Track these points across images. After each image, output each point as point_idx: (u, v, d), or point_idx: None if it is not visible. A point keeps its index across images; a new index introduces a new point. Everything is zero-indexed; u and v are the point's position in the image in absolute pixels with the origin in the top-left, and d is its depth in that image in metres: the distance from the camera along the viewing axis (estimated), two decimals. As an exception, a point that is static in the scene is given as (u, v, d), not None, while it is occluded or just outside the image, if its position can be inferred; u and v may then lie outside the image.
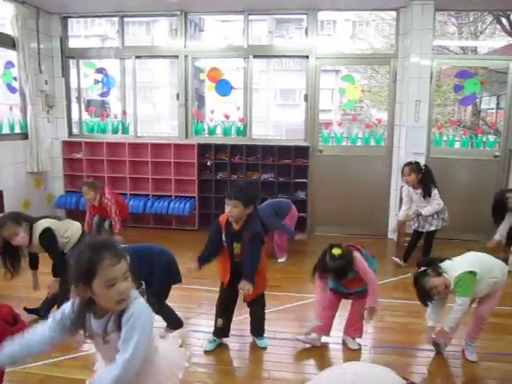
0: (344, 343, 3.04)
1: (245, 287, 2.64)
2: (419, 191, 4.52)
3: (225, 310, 2.99)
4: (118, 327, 1.55)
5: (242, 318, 3.21)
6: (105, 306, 1.56)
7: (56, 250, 3.17)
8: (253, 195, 2.79)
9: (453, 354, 2.91)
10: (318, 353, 2.95)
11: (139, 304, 1.59)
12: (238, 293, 2.84)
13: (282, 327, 3.24)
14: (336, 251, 2.70)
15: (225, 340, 3.06)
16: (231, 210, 2.68)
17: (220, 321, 2.98)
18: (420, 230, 4.62)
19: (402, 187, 4.87)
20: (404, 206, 4.72)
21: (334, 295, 2.97)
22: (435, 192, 4.47)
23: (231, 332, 3.08)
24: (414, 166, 4.52)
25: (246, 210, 2.71)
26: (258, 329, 3.05)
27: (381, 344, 3.06)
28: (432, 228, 4.55)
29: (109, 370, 1.56)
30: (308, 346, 3.00)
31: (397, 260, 4.71)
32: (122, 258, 1.54)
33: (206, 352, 2.94)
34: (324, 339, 3.04)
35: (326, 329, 2.99)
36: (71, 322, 1.60)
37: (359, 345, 3.00)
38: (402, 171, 4.60)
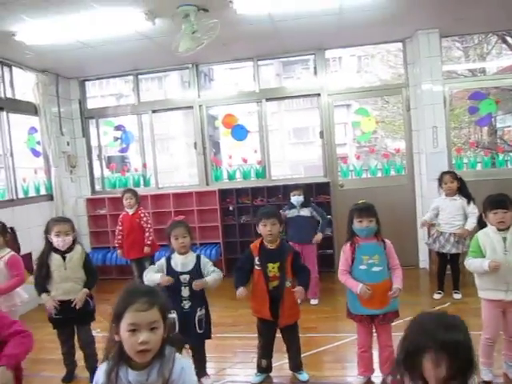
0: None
1: (299, 291, 2.82)
2: (457, 198, 4.38)
3: (268, 350, 3.02)
4: (165, 378, 1.50)
5: (278, 353, 3.12)
6: (130, 355, 1.49)
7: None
8: (280, 215, 3.09)
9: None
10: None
11: (185, 360, 1.58)
12: (277, 325, 2.93)
13: (322, 370, 3.13)
14: (360, 201, 2.88)
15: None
16: (272, 228, 2.86)
17: (264, 362, 3.02)
18: (441, 251, 4.45)
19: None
20: (428, 214, 4.60)
21: (364, 328, 2.83)
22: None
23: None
24: (454, 174, 4.45)
25: (280, 228, 2.94)
26: (297, 363, 3.04)
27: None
28: (453, 250, 4.36)
29: None
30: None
31: (437, 297, 4.50)
32: (154, 308, 1.48)
33: None
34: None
35: (370, 368, 2.88)
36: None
37: None
38: (441, 180, 4.45)
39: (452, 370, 1.30)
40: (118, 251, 5.13)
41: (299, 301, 2.93)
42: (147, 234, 5.01)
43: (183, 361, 1.59)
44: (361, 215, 2.76)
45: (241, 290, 2.85)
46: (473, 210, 4.26)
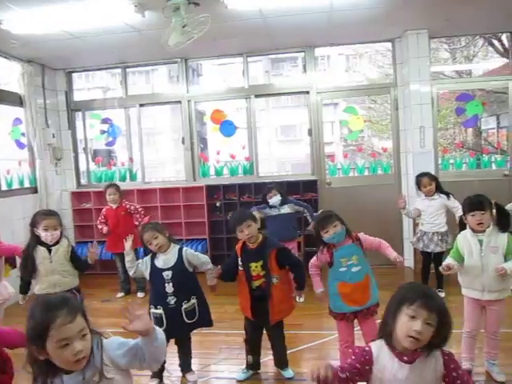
0: None
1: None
2: (436, 198, 4.45)
3: (255, 347, 3.03)
4: (98, 368, 1.48)
5: (263, 350, 3.12)
6: (63, 367, 1.45)
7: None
8: (251, 213, 3.04)
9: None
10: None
11: (114, 338, 1.58)
12: (262, 323, 2.95)
13: (307, 367, 3.13)
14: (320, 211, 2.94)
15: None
16: (249, 231, 2.83)
17: (250, 357, 3.03)
18: (425, 250, 4.51)
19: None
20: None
21: (345, 323, 2.82)
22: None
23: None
24: (432, 175, 4.55)
25: (256, 225, 2.88)
26: (282, 360, 3.06)
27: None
28: (438, 249, 4.43)
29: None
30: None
31: None
32: (77, 315, 1.44)
33: (239, 382, 2.98)
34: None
35: None
36: None
37: None
38: (420, 183, 4.51)
39: (426, 325, 1.49)
40: (105, 228, 5.05)
41: (302, 299, 2.96)
42: (138, 216, 5.05)
43: (113, 339, 1.58)
44: (323, 225, 2.73)
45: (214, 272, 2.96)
46: (454, 204, 4.32)
